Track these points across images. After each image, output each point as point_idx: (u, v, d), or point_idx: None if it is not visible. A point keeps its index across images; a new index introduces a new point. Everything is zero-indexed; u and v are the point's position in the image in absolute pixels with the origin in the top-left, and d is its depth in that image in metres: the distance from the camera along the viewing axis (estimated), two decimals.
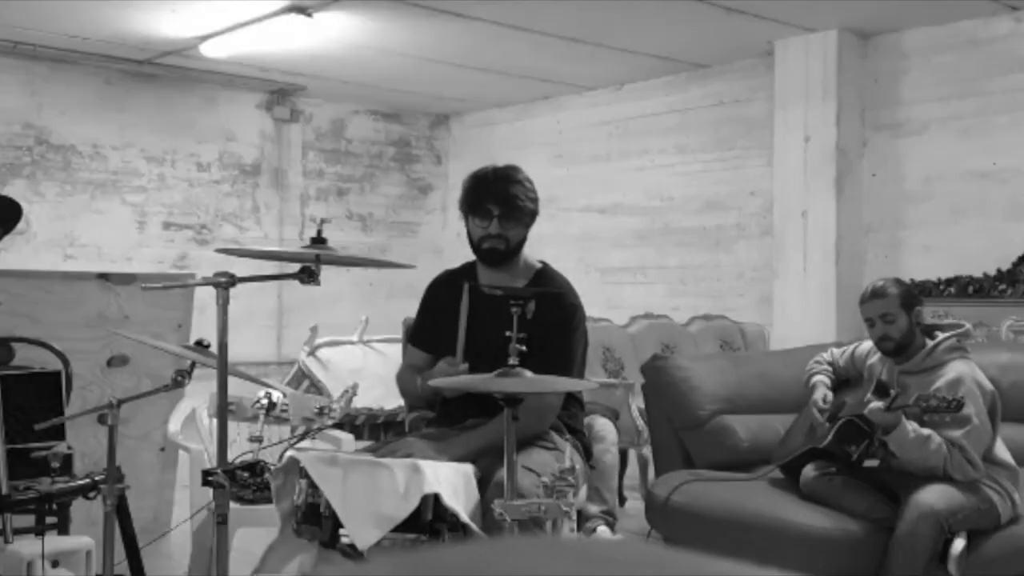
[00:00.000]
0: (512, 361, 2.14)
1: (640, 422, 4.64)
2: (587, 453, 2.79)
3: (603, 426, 2.95)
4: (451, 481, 2.19)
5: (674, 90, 7.15)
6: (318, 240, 2.31)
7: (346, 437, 3.24)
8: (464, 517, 2.13)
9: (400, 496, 2.09)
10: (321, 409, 2.68)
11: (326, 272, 2.34)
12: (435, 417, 2.79)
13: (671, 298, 7.01)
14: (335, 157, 8.30)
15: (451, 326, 2.76)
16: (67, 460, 2.77)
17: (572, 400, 2.78)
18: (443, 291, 2.89)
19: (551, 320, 2.61)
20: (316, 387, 4.72)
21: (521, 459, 2.38)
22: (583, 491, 2.71)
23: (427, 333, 2.87)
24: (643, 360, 4.21)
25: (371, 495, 2.09)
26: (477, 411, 2.58)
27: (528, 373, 2.13)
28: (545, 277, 2.80)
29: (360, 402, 4.24)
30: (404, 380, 2.87)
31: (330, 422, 2.70)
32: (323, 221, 2.42)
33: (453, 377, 2.43)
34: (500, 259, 2.72)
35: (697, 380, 3.77)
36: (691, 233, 7.07)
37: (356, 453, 2.59)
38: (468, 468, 2.34)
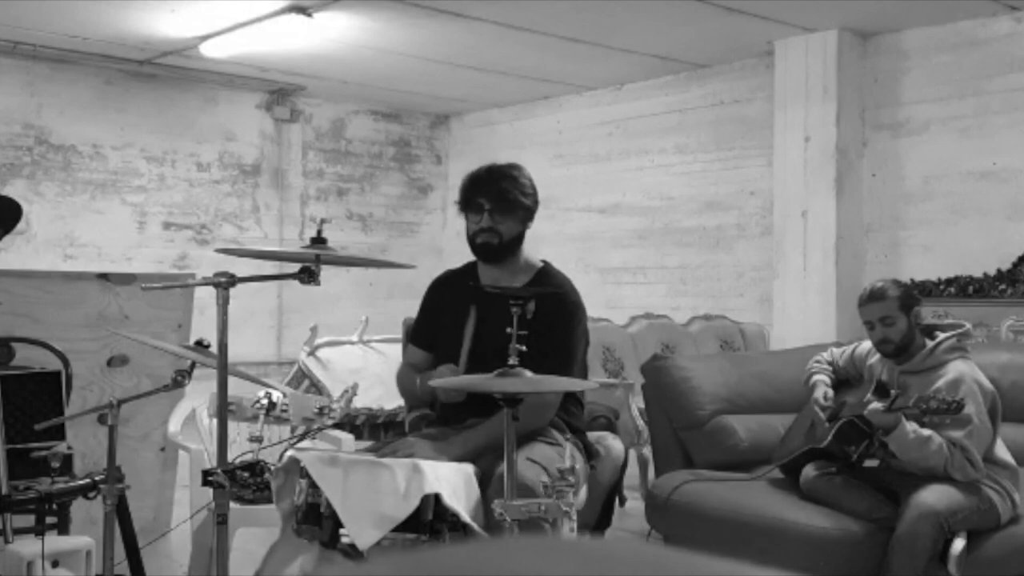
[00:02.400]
0: (512, 361, 2.14)
1: (640, 422, 4.64)
2: (588, 453, 2.79)
3: (611, 445, 2.94)
4: (451, 481, 2.19)
5: (674, 90, 7.15)
6: (318, 240, 2.30)
7: (346, 437, 3.23)
8: (465, 517, 2.13)
9: (400, 496, 2.10)
10: (321, 409, 2.68)
11: (326, 272, 2.34)
12: (435, 417, 2.79)
13: (671, 298, 7.01)
14: (335, 157, 8.30)
15: (452, 326, 2.78)
16: (67, 460, 2.77)
17: (572, 399, 2.78)
18: (445, 291, 2.91)
19: (552, 319, 2.61)
20: (316, 387, 4.72)
21: (524, 452, 2.40)
22: (583, 491, 2.71)
23: (428, 333, 2.89)
24: (643, 360, 4.20)
25: (371, 495, 2.10)
26: (477, 411, 2.58)
27: (528, 373, 2.13)
28: (547, 276, 2.81)
29: (360, 402, 4.24)
30: (404, 380, 2.88)
31: (330, 422, 2.70)
32: (323, 221, 2.41)
33: (453, 377, 2.44)
34: (494, 253, 2.73)
35: (697, 380, 3.77)
36: (691, 233, 7.07)
37: (357, 453, 2.60)
38: (468, 468, 2.34)
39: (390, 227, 8.56)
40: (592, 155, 7.71)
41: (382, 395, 4.51)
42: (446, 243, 8.56)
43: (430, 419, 2.81)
